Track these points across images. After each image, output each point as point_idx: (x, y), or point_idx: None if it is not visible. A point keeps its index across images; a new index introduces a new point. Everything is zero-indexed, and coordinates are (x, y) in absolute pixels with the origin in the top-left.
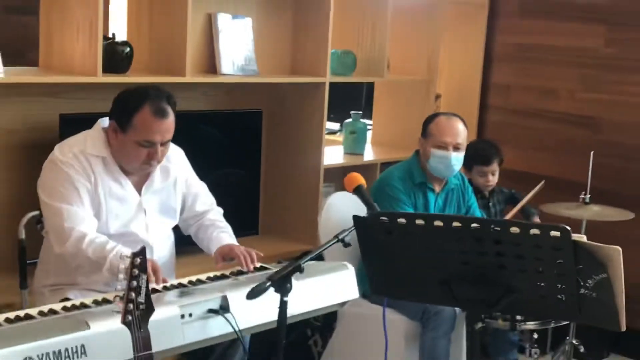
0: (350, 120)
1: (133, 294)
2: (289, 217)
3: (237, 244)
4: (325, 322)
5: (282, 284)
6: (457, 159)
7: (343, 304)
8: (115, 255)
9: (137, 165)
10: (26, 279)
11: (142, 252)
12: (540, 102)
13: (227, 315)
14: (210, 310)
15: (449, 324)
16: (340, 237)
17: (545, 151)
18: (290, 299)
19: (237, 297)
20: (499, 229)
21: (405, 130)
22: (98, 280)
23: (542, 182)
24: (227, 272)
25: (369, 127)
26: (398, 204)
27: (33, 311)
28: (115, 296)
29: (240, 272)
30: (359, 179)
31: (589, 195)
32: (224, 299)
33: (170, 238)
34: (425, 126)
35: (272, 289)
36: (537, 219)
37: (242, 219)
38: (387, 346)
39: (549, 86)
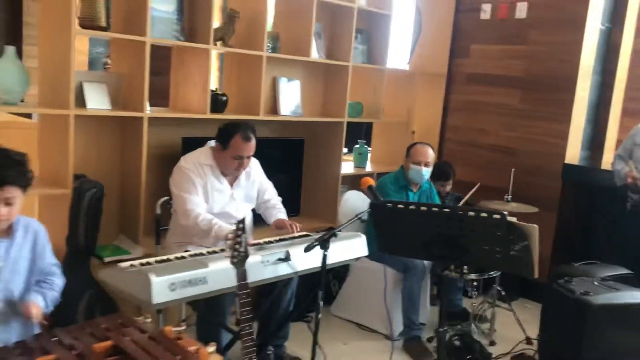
0: (357, 145)
1: (237, 246)
2: (318, 205)
3: (287, 219)
4: (341, 271)
5: (324, 244)
6: (426, 171)
7: (357, 259)
8: (217, 227)
9: (231, 170)
10: (159, 238)
11: (243, 221)
12: (478, 137)
13: (289, 262)
14: (279, 259)
15: (421, 275)
16: (359, 216)
17: (482, 169)
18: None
19: (294, 252)
20: (461, 212)
21: (392, 153)
22: (206, 242)
23: (478, 184)
24: (287, 237)
25: (369, 150)
26: (390, 199)
27: (171, 256)
28: (222, 249)
29: (293, 237)
30: (371, 181)
31: (510, 196)
32: (287, 252)
33: (250, 215)
34: (408, 150)
35: (318, 247)
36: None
37: (290, 205)
38: (386, 286)
39: (483, 127)
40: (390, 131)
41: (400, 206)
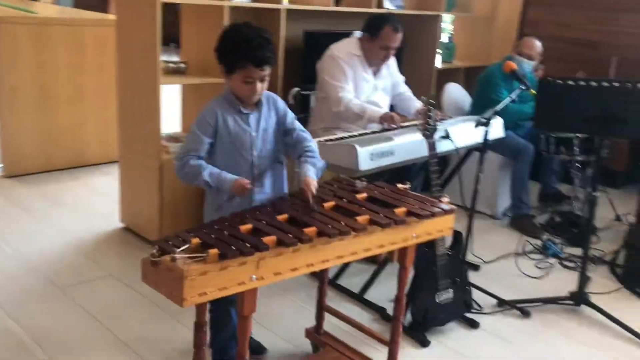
0: (445, 41)
1: (428, 119)
2: None
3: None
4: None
5: (488, 121)
6: (528, 64)
7: (495, 139)
8: (371, 110)
9: (377, 61)
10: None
11: (432, 96)
12: (558, 31)
13: (450, 139)
14: (441, 137)
15: (530, 158)
16: (512, 96)
17: (562, 62)
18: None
19: (453, 130)
20: (630, 85)
21: (476, 48)
22: (353, 126)
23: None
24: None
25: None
26: (499, 88)
27: (355, 134)
28: (412, 125)
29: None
30: (514, 65)
31: None
32: (447, 130)
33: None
34: (517, 42)
35: (480, 126)
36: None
37: None
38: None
39: (562, 21)
40: (473, 27)
41: (571, 82)
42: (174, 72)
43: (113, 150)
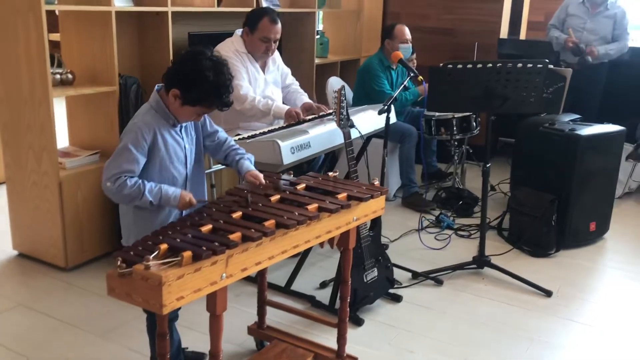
0: (317, 36)
1: (342, 110)
2: None
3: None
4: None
5: (388, 110)
6: (410, 47)
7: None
8: (275, 106)
9: (260, 54)
10: None
11: (343, 87)
12: (419, 22)
13: (356, 128)
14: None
15: (415, 140)
16: (405, 83)
17: (426, 51)
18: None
19: (357, 119)
20: (510, 65)
21: (346, 42)
22: (254, 124)
23: None
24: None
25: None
26: (380, 79)
27: (265, 130)
28: (328, 113)
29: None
30: (400, 55)
31: None
32: (352, 120)
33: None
34: (390, 32)
35: (383, 113)
36: None
37: None
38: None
39: (420, 12)
40: (342, 22)
41: (460, 66)
42: (61, 83)
43: None
